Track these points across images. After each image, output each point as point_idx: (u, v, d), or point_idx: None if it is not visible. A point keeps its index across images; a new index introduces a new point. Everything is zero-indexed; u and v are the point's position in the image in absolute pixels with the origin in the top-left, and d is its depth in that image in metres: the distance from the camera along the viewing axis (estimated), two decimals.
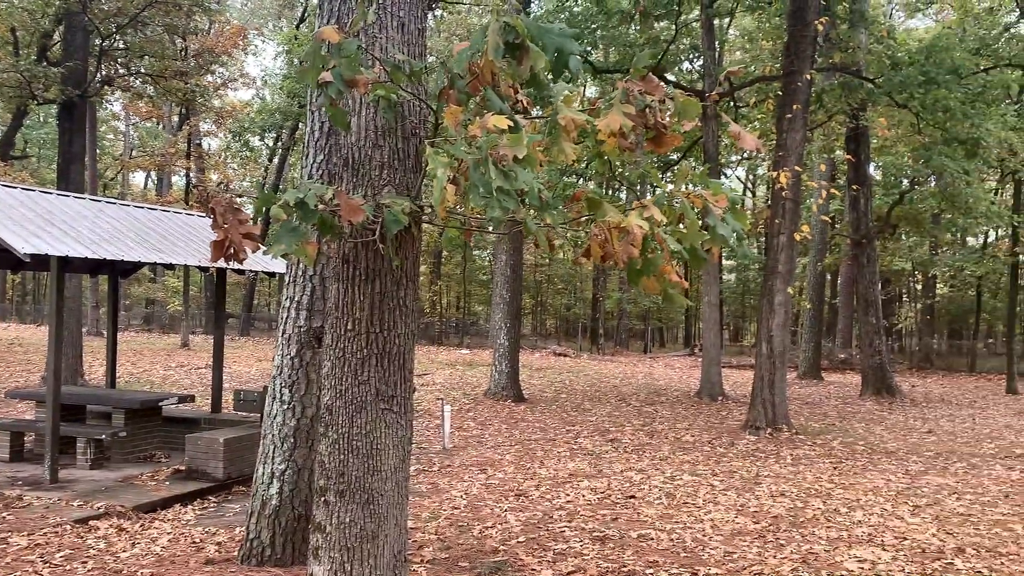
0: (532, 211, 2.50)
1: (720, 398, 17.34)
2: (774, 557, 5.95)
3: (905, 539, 6.59)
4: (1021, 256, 22.77)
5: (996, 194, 30.74)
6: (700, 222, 2.87)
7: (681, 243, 2.61)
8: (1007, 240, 25.48)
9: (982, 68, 19.01)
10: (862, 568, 5.73)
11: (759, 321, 13.85)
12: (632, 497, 7.92)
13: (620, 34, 17.58)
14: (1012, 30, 24.76)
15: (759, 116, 19.82)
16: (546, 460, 9.83)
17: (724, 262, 40.23)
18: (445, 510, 7.22)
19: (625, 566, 5.59)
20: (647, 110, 2.74)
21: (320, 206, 2.50)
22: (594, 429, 12.55)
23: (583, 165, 21.38)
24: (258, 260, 9.25)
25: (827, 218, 24.13)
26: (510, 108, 2.47)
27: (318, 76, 2.47)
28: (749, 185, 43.68)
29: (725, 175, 33.97)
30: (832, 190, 19.78)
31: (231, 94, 39.16)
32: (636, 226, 2.44)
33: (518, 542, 6.16)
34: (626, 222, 2.45)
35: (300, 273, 5.41)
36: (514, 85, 2.60)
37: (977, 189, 20.73)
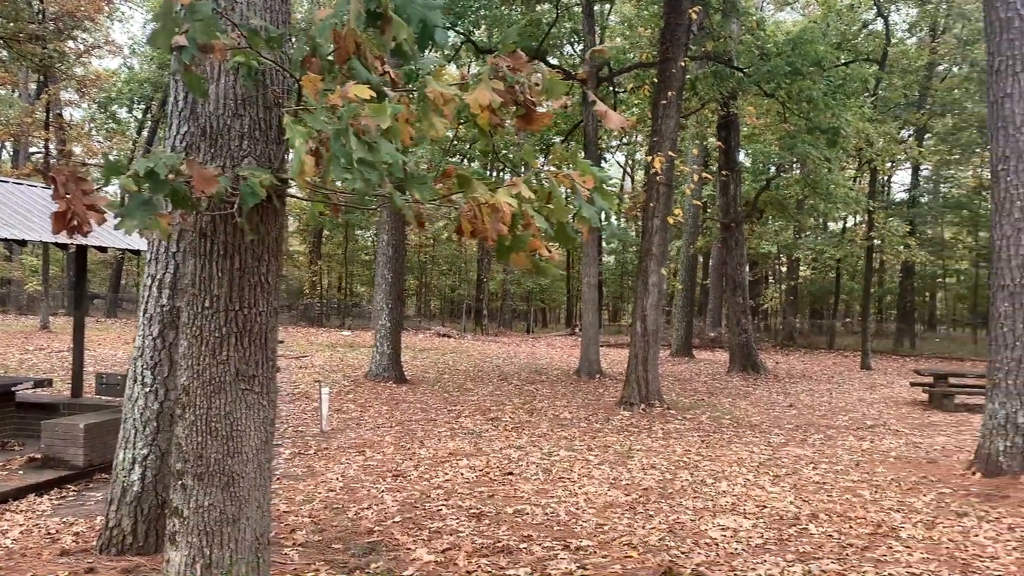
0: (400, 187, 2.47)
1: (598, 376, 17.78)
2: (643, 528, 6.16)
3: (765, 507, 6.94)
4: (875, 240, 24.35)
5: (854, 182, 32.70)
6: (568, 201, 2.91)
7: (549, 220, 2.64)
8: (863, 225, 27.17)
9: (843, 61, 20.12)
10: (724, 535, 6.01)
11: (634, 301, 14.26)
12: (510, 474, 8.03)
13: (503, 15, 17.60)
14: (869, 27, 26.31)
15: (636, 102, 20.31)
16: (426, 440, 9.82)
17: (604, 244, 41.19)
18: (320, 492, 7.10)
19: (500, 541, 5.66)
20: (516, 87, 2.75)
21: (172, 177, 2.39)
22: (475, 408, 12.63)
23: (467, 146, 21.38)
24: (121, 237, 8.78)
25: (699, 202, 25.03)
26: (378, 79, 2.41)
27: (170, 39, 2.34)
28: (628, 170, 44.75)
29: (605, 159, 34.70)
30: (704, 175, 20.55)
31: (95, 62, 36.86)
32: (504, 203, 2.45)
33: (394, 522, 6.14)
34: (494, 199, 2.46)
35: (162, 250, 5.16)
36: (381, 57, 2.55)
37: (837, 177, 21.99)
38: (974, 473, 8.29)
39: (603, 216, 3.07)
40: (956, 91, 29.10)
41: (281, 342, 21.57)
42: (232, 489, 2.83)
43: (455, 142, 20.54)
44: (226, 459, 2.82)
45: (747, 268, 23.07)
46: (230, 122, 2.81)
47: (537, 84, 2.72)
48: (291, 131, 2.11)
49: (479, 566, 5.11)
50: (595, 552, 5.50)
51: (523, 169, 25.88)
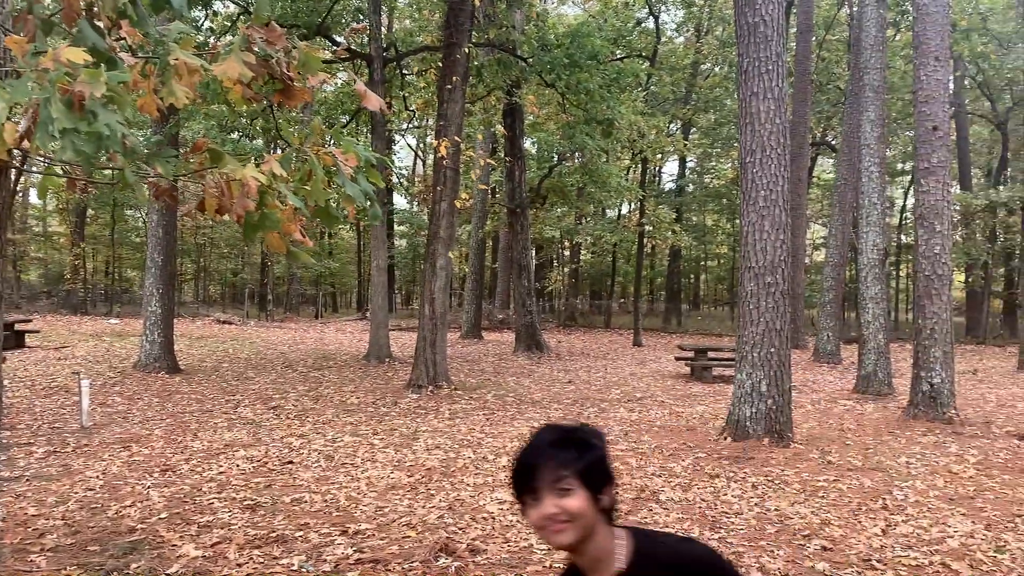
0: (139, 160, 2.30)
1: (388, 360, 17.71)
2: (423, 507, 6.23)
3: None
4: (647, 227, 26.06)
5: (628, 172, 34.78)
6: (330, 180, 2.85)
7: (306, 200, 2.58)
8: (636, 212, 28.98)
9: (618, 56, 21.29)
10: (501, 509, 6.21)
11: (422, 284, 14.33)
12: (290, 463, 7.82)
13: None
14: (642, 25, 27.99)
15: (423, 85, 20.34)
16: (200, 432, 9.33)
17: (396, 227, 40.97)
18: (77, 492, 6.54)
19: (275, 531, 5.50)
20: (272, 60, 2.65)
21: None
22: (256, 397, 12.16)
23: (248, 122, 20.42)
24: None
25: (484, 187, 25.54)
26: (106, 44, 2.22)
27: None
28: (420, 153, 44.77)
29: (394, 141, 34.49)
30: (490, 161, 21.00)
31: None
32: (251, 178, 2.35)
33: (160, 519, 5.78)
34: (240, 174, 2.36)
35: None
36: (118, 21, 2.36)
37: (612, 166, 23.28)
38: (726, 438, 9.13)
39: (367, 197, 3.05)
40: (717, 89, 31.69)
41: (37, 332, 19.59)
42: None
43: (233, 118, 19.53)
44: None
45: (533, 252, 23.88)
46: None
47: (294, 58, 2.64)
48: None
49: (251, 558, 4.94)
50: (373, 535, 5.49)
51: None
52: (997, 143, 33.83)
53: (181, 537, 5.33)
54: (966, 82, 31.12)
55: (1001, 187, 26.70)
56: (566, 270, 37.16)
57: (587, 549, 1.70)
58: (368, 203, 3.06)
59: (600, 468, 1.73)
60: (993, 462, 8.24)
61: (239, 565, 4.82)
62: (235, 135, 21.17)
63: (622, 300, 40.97)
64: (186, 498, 6.39)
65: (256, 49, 2.56)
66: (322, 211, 2.86)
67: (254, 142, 25.35)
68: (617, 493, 1.79)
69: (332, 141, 3.11)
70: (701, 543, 1.82)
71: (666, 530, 1.84)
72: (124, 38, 2.34)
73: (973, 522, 6.04)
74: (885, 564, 5.07)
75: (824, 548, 5.39)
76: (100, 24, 2.43)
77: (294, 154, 2.83)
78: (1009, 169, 31.25)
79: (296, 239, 2.62)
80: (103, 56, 2.14)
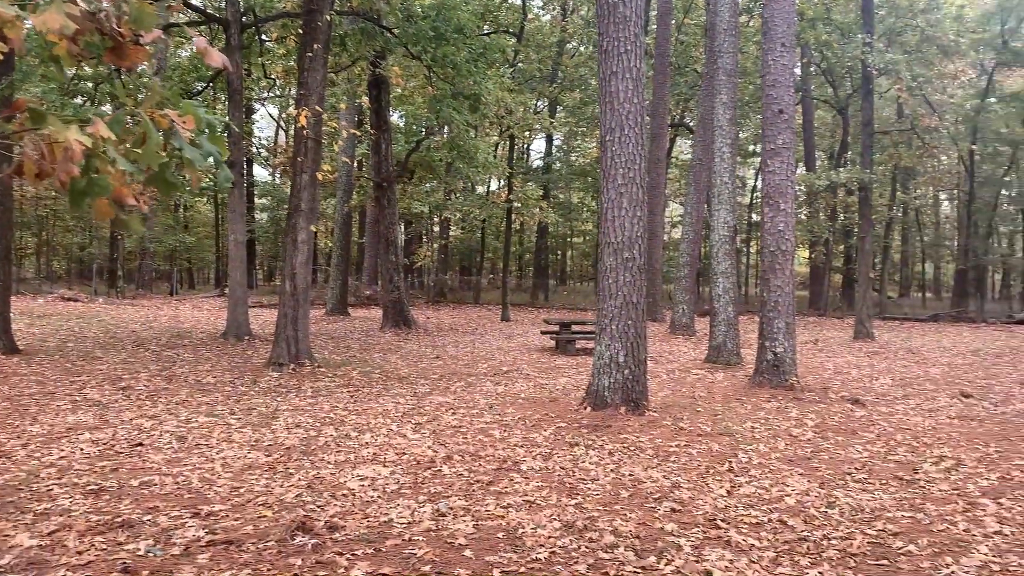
0: None
1: (247, 338, 17.14)
2: (281, 487, 6.08)
3: (405, 454, 7.24)
4: (515, 203, 26.29)
5: (498, 148, 34.91)
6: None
7: (138, 164, 2.43)
8: (504, 189, 29.16)
9: (485, 31, 21.25)
10: (362, 485, 6.16)
11: (283, 259, 13.91)
12: (139, 445, 7.45)
13: None
14: (509, 1, 28.03)
15: (283, 52, 19.64)
16: (40, 416, 8.73)
17: (257, 200, 39.53)
18: None
19: (120, 516, 5.23)
20: (100, 15, 2.48)
21: None
22: (104, 378, 11.49)
23: (93, 87, 19.12)
24: None
25: (347, 160, 25.02)
26: None
27: None
28: (282, 123, 43.27)
29: (254, 110, 33.18)
30: (356, 132, 20.56)
31: None
32: (74, 141, 2.20)
33: None
34: (63, 136, 2.19)
35: None
36: None
37: (480, 142, 23.28)
38: (586, 408, 9.39)
39: (214, 162, 2.91)
40: (582, 68, 32.20)
41: None
42: None
43: (76, 81, 18.23)
44: None
45: (401, 227, 23.60)
46: None
47: (124, 12, 2.48)
48: None
49: (92, 544, 4.68)
50: (227, 516, 5.32)
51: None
52: (839, 127, 36.18)
53: (15, 526, 4.98)
54: (811, 69, 33.01)
55: (842, 169, 28.58)
56: (435, 246, 37.03)
57: None
58: (213, 167, 2.92)
59: None
60: (828, 425, 8.88)
61: (79, 553, 4.55)
62: (79, 100, 19.77)
63: (491, 276, 41.29)
64: (21, 485, 5.97)
65: (81, 2, 2.38)
66: (158, 176, 2.71)
67: (101, 108, 23.79)
68: None
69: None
70: None
71: None
72: None
73: (809, 481, 6.50)
74: (728, 523, 5.38)
75: (673, 510, 5.66)
76: None
77: (128, 116, 2.66)
78: (849, 152, 33.47)
79: (131, 205, 2.47)
80: None
